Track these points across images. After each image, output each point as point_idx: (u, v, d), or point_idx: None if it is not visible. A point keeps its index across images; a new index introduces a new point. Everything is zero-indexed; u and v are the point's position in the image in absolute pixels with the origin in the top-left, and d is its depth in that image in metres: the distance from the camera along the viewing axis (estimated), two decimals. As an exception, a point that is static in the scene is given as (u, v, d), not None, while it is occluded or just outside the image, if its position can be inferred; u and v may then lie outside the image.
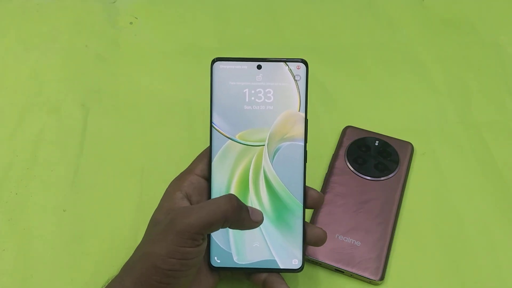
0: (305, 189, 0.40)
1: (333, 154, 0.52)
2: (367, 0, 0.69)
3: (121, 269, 0.36)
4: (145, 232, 0.38)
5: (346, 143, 0.52)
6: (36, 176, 0.51)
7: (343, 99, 0.58)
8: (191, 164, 0.41)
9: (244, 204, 0.36)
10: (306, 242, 0.40)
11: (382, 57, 0.63)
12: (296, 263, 0.40)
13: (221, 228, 0.35)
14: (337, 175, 0.50)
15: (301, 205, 0.40)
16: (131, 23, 0.65)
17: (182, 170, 0.51)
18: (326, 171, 0.51)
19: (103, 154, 0.53)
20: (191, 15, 0.67)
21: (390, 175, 0.50)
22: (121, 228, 0.47)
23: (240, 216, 0.35)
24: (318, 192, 0.41)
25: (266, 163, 0.40)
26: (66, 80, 0.59)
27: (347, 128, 0.54)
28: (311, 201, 0.40)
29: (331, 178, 0.50)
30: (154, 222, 0.38)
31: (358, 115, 0.56)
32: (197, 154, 0.54)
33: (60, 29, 0.65)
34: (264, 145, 0.40)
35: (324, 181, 0.50)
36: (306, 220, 0.41)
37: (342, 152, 0.52)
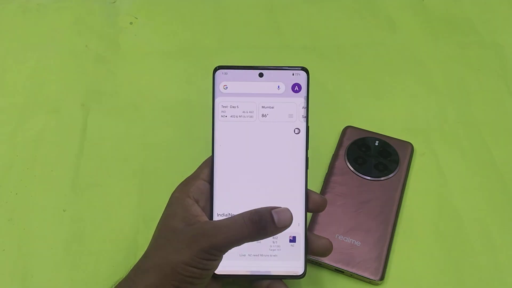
0: (307, 193, 0.40)
1: (333, 154, 0.52)
2: (367, 0, 0.69)
3: (131, 272, 0.36)
4: (158, 236, 0.38)
5: (346, 143, 0.52)
6: (36, 176, 0.51)
7: (343, 99, 0.58)
8: (197, 169, 0.41)
9: (268, 215, 0.35)
10: (310, 251, 0.40)
11: (382, 57, 0.62)
12: (298, 269, 0.39)
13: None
14: (337, 175, 0.50)
15: (303, 210, 0.40)
16: (131, 23, 0.65)
17: (182, 171, 0.51)
18: (326, 171, 0.51)
19: (103, 154, 0.53)
20: (191, 15, 0.67)
21: (390, 175, 0.50)
22: (121, 228, 0.47)
23: (265, 231, 0.35)
24: (320, 196, 0.41)
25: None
26: (66, 80, 0.59)
27: (347, 128, 0.54)
28: (314, 205, 0.40)
29: (331, 178, 0.50)
30: (171, 229, 0.37)
31: (358, 115, 0.56)
32: (197, 154, 0.54)
33: (60, 29, 0.65)
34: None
35: (324, 181, 0.50)
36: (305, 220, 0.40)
37: (342, 152, 0.52)
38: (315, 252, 0.40)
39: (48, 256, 0.46)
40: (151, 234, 0.39)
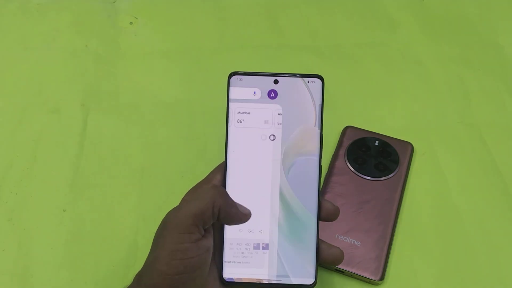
0: (320, 202, 0.39)
1: (333, 154, 0.52)
2: (367, 0, 0.69)
3: (134, 279, 0.36)
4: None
5: (346, 143, 0.52)
6: (36, 176, 0.51)
7: (343, 99, 0.58)
8: (208, 174, 0.41)
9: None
10: (321, 260, 0.39)
11: (382, 57, 0.63)
12: (309, 278, 0.39)
13: (214, 219, 0.35)
14: (337, 175, 0.50)
15: (315, 220, 0.39)
16: (131, 23, 0.65)
17: (182, 171, 0.52)
18: (326, 171, 0.51)
19: (103, 154, 0.53)
20: (191, 15, 0.67)
21: (390, 175, 0.50)
22: (121, 228, 0.47)
23: (228, 202, 0.36)
24: (333, 204, 0.40)
25: (281, 177, 0.39)
26: (66, 80, 0.59)
27: (347, 128, 0.54)
28: (326, 213, 0.40)
29: (331, 178, 0.50)
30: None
31: (358, 115, 0.56)
32: (197, 155, 0.54)
33: (60, 29, 0.64)
34: (279, 159, 0.40)
35: (324, 181, 0.50)
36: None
37: (342, 152, 0.52)
38: (325, 261, 0.40)
39: (48, 256, 0.46)
40: (151, 234, 0.38)
